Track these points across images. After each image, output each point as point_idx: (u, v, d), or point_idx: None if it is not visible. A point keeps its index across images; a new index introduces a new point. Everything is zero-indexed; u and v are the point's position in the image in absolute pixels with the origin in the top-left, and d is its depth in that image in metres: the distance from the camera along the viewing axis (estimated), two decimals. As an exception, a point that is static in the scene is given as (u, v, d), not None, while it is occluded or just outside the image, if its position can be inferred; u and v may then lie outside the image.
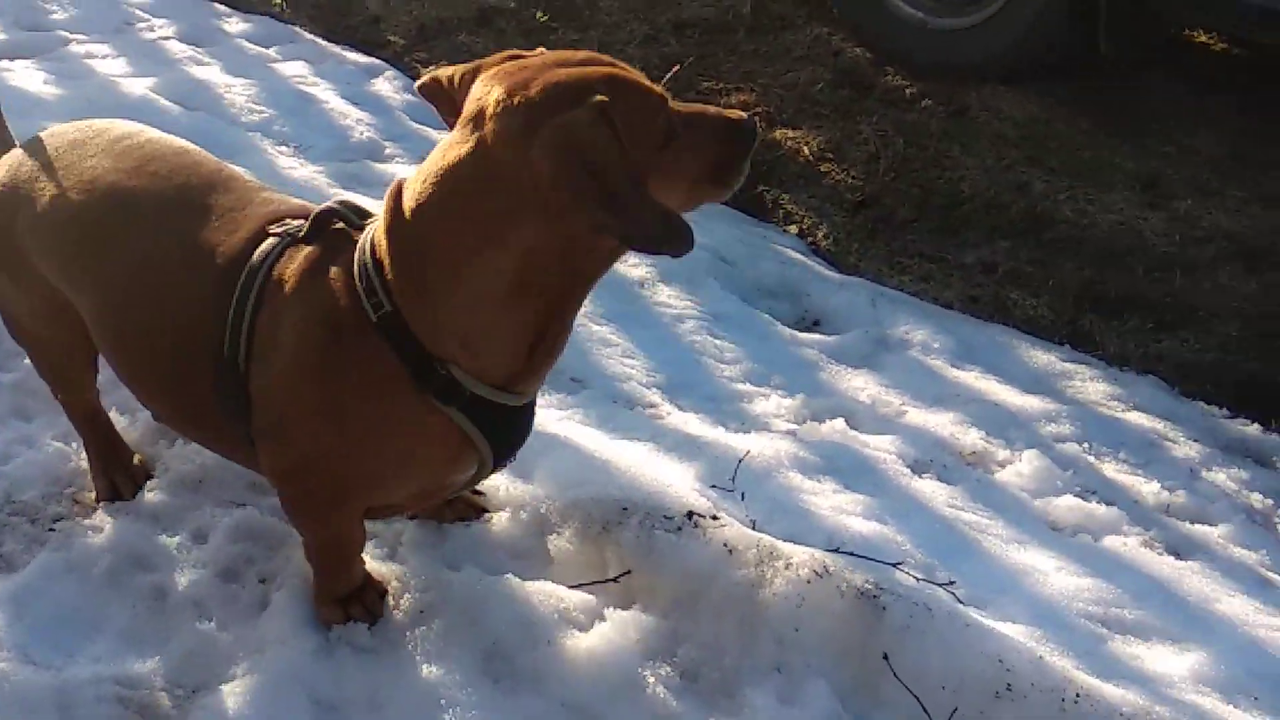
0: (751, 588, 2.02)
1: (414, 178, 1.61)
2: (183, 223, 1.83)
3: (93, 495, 2.27)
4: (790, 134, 4.10)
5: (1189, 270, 3.45)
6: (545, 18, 4.86)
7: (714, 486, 2.34)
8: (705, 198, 1.67)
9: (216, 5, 5.00)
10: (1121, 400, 2.98)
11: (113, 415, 2.34)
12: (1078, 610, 2.17)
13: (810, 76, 4.41)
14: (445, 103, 1.68)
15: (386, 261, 1.62)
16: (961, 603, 2.07)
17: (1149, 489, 2.62)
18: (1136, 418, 2.90)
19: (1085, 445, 2.76)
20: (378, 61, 4.62)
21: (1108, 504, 2.55)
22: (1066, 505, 2.52)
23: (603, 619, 2.02)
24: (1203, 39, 4.83)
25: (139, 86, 3.95)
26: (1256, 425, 2.91)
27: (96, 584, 2.07)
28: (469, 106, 1.58)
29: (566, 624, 2.01)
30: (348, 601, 1.99)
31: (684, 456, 2.44)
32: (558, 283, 1.61)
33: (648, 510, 2.15)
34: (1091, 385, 3.03)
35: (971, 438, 2.73)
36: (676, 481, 2.28)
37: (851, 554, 2.11)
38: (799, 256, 3.54)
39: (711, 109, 1.66)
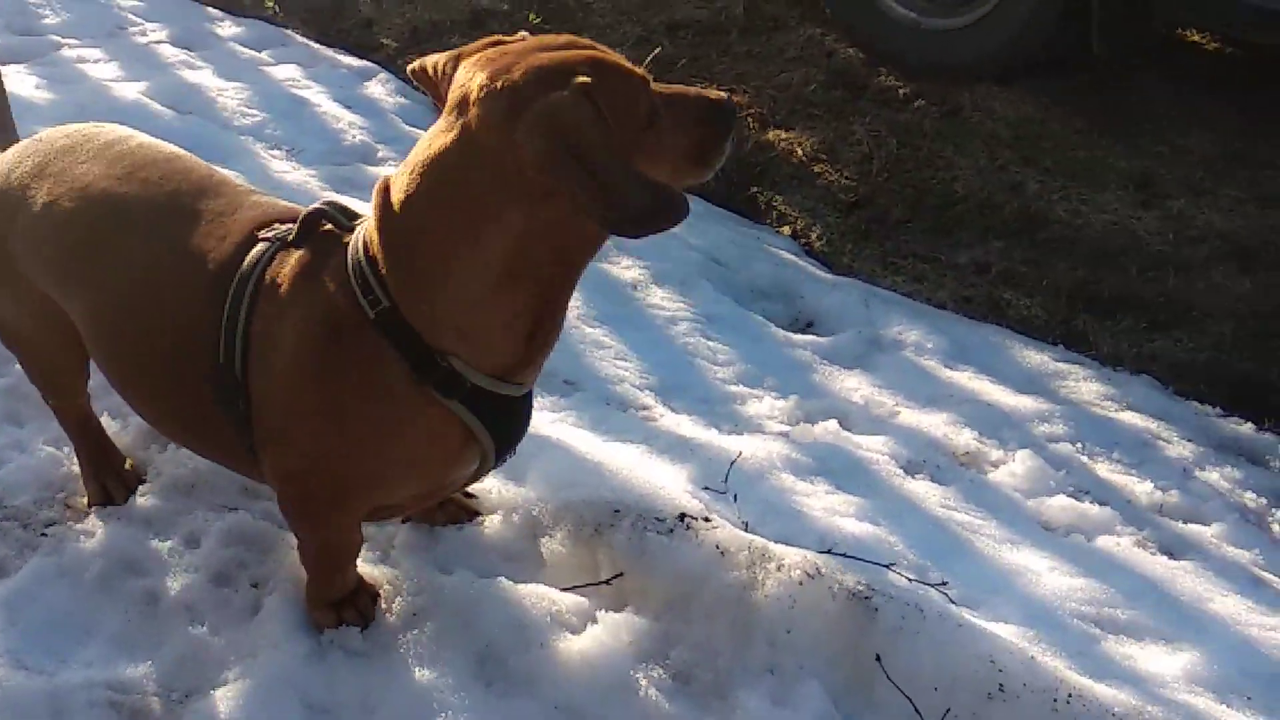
0: (744, 589, 2.02)
1: (400, 170, 1.61)
2: (174, 229, 1.83)
3: (84, 500, 2.26)
4: (783, 135, 4.11)
5: (1183, 270, 3.45)
6: (538, 20, 4.86)
7: (706, 488, 2.34)
8: (688, 178, 1.66)
9: (209, 9, 5.01)
10: (1115, 400, 2.98)
11: (104, 420, 2.34)
12: (1070, 610, 2.17)
13: (803, 77, 4.41)
14: (433, 90, 1.69)
15: (380, 257, 1.62)
16: (954, 603, 2.07)
17: (1142, 489, 2.62)
18: (1130, 417, 2.91)
19: (1078, 445, 2.76)
20: (370, 64, 4.62)
21: (1101, 504, 2.55)
22: (1059, 505, 2.52)
23: (595, 621, 2.02)
24: (1196, 38, 4.84)
25: (131, 91, 3.95)
26: (1250, 425, 2.91)
27: (88, 589, 2.07)
28: (452, 94, 1.58)
29: (559, 626, 2.01)
30: (340, 605, 1.98)
31: (677, 458, 2.44)
32: (549, 267, 1.61)
33: (640, 512, 2.15)
34: (1085, 385, 3.03)
35: (965, 438, 2.74)
36: (669, 483, 2.28)
37: (844, 555, 2.11)
38: (792, 257, 3.54)
39: (692, 90, 1.66)
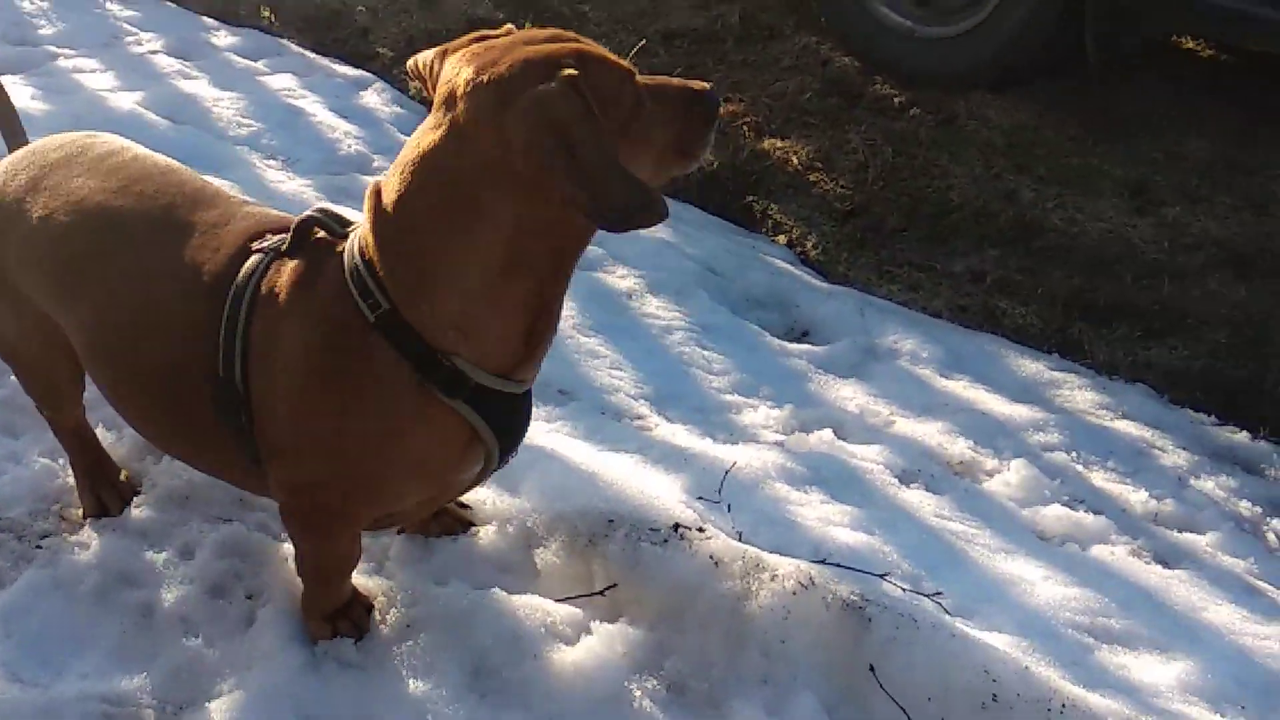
0: (738, 600, 2.02)
1: (391, 171, 1.61)
2: (169, 242, 1.83)
3: (79, 512, 2.26)
4: (779, 144, 4.11)
5: (1178, 277, 3.46)
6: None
7: (701, 498, 2.34)
8: (673, 169, 1.68)
9: (204, 19, 5.01)
10: (1110, 409, 2.98)
11: (99, 431, 2.34)
12: (1065, 620, 2.17)
13: (798, 86, 4.41)
14: (427, 86, 1.69)
15: (376, 259, 1.62)
16: (948, 613, 2.07)
17: (1137, 497, 2.62)
18: (1125, 426, 2.91)
19: (1073, 454, 2.76)
20: (366, 74, 4.62)
21: (1095, 513, 2.55)
22: (1054, 514, 2.53)
23: (589, 632, 2.02)
24: (1190, 45, 4.85)
25: (127, 101, 3.95)
26: (1245, 433, 2.92)
27: (84, 601, 2.07)
28: (440, 90, 1.58)
29: (553, 637, 2.01)
30: (335, 617, 1.98)
31: (671, 468, 2.44)
32: (544, 260, 1.61)
33: (634, 523, 2.15)
34: (1080, 394, 3.04)
35: (959, 447, 2.74)
36: (663, 493, 2.28)
37: (838, 565, 2.11)
38: (787, 266, 3.55)
39: (675, 81, 1.67)
